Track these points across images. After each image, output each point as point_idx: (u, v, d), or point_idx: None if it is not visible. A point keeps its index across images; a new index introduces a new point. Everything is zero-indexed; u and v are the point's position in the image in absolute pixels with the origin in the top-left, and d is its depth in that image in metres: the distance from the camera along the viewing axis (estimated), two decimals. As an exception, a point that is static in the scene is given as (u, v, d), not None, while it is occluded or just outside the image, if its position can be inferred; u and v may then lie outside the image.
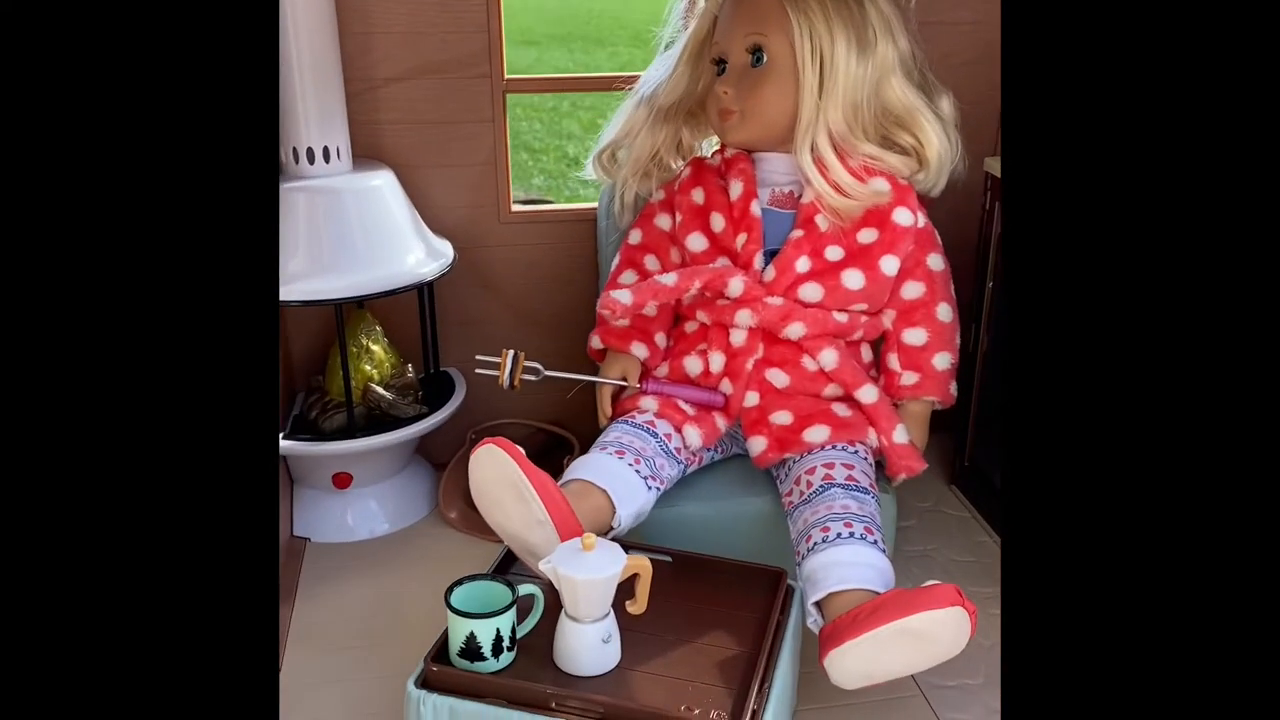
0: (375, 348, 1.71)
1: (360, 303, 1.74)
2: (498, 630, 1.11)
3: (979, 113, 1.84)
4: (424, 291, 1.71)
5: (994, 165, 1.73)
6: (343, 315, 1.60)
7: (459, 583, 1.15)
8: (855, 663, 1.15)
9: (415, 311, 1.75)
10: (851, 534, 1.28)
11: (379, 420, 1.68)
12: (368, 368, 1.69)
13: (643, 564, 1.14)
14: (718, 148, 1.63)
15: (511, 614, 1.12)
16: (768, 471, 1.53)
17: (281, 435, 1.63)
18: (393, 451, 1.72)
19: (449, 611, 1.12)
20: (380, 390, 1.68)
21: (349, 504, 1.75)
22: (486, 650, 1.12)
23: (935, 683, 1.48)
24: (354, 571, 1.66)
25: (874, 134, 1.51)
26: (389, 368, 1.72)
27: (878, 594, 1.19)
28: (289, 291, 1.51)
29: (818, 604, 1.25)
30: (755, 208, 1.52)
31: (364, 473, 1.73)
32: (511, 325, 1.88)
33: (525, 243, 1.84)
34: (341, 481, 1.71)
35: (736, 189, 1.54)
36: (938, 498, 1.95)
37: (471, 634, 1.11)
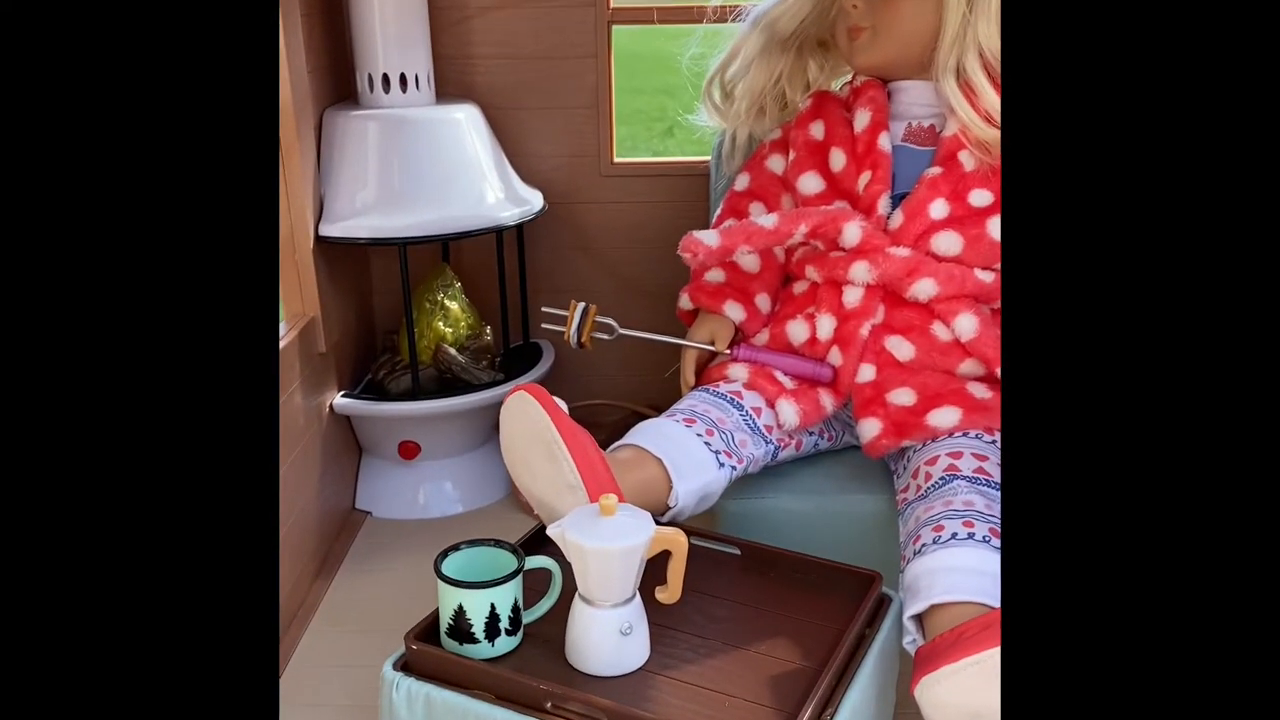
0: (453, 305, 1.54)
1: (445, 253, 1.58)
2: (492, 606, 0.89)
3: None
4: (501, 241, 1.52)
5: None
6: (407, 259, 1.44)
7: (456, 547, 0.94)
8: (955, 694, 0.86)
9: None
10: (971, 535, 0.99)
11: (449, 385, 1.50)
12: (442, 325, 1.52)
13: (676, 539, 0.90)
14: (849, 79, 1.37)
15: (512, 588, 0.90)
16: (885, 464, 1.24)
17: (344, 395, 1.48)
18: (464, 421, 1.54)
19: (437, 579, 0.91)
20: (453, 352, 1.51)
21: (421, 479, 1.58)
22: (478, 630, 0.90)
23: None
24: (409, 550, 1.49)
25: (1040, 56, 1.22)
26: (465, 328, 1.55)
27: (995, 609, 0.90)
28: (354, 228, 1.36)
29: (918, 619, 0.96)
30: (884, 141, 1.25)
31: (433, 444, 1.55)
32: (612, 293, 1.67)
33: (629, 199, 1.63)
34: (408, 451, 1.54)
35: (863, 119, 1.28)
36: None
37: (460, 608, 0.90)
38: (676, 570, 0.91)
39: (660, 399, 1.68)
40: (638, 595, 0.90)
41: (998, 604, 0.91)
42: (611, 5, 1.55)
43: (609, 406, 1.68)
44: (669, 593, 0.92)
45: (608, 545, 0.85)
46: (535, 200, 1.52)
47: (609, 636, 0.88)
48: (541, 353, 1.62)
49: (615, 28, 1.57)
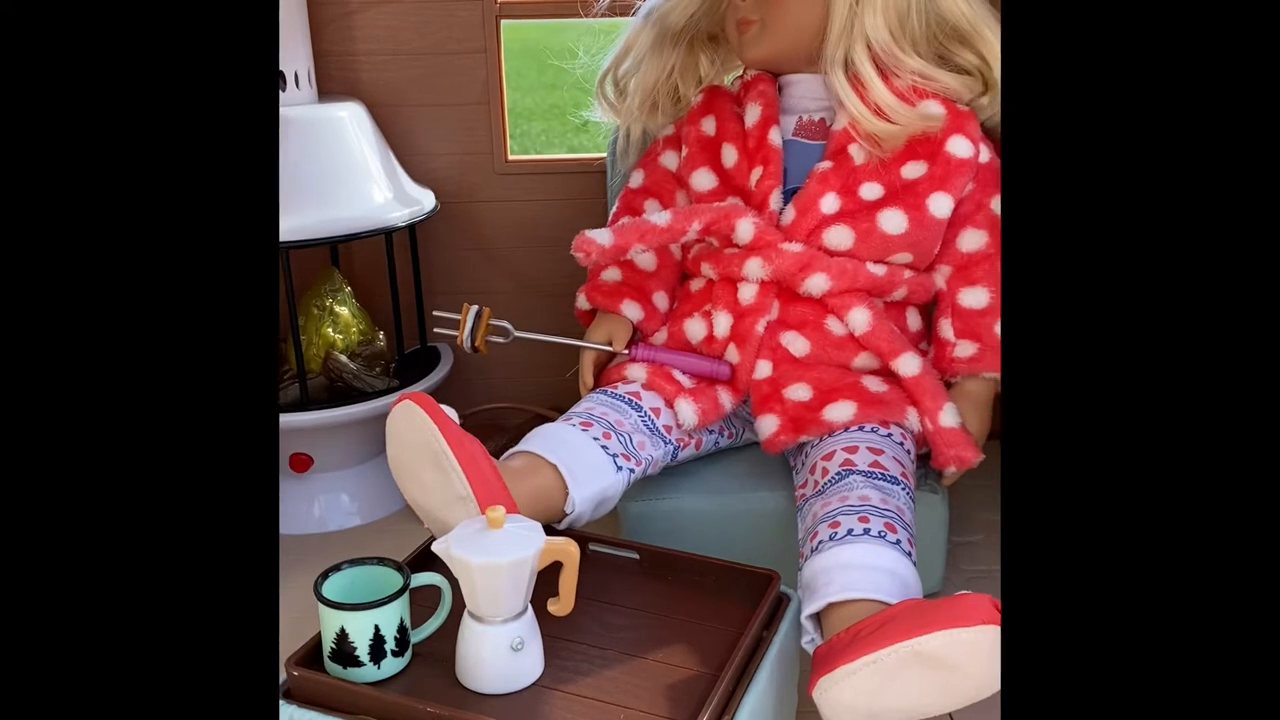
0: (342, 310, 1.49)
1: (334, 257, 1.53)
2: (376, 628, 0.86)
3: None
4: (392, 243, 1.47)
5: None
6: (290, 264, 1.38)
7: (337, 567, 0.90)
8: (852, 695, 0.85)
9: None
10: (867, 531, 0.98)
11: (341, 394, 1.45)
12: (331, 332, 1.47)
13: (567, 550, 0.87)
14: (740, 73, 1.36)
15: (397, 608, 0.86)
16: (785, 460, 1.24)
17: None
18: (358, 431, 1.49)
19: (318, 602, 0.87)
20: (343, 359, 1.46)
21: (315, 493, 1.53)
22: (363, 653, 0.86)
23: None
24: (306, 568, 1.43)
25: (927, 50, 1.22)
26: (356, 335, 1.50)
27: (890, 606, 0.89)
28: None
29: (816, 618, 0.96)
30: (775, 136, 1.25)
31: (326, 456, 1.50)
32: (510, 294, 1.63)
33: (525, 198, 1.60)
34: (300, 464, 1.49)
35: (753, 115, 1.27)
36: (1013, 511, 1.61)
37: (343, 631, 0.86)
38: (568, 582, 0.88)
39: (563, 400, 1.65)
40: (529, 609, 0.87)
41: (894, 600, 0.91)
42: (499, -1, 1.52)
43: (511, 410, 1.64)
44: (561, 604, 0.90)
45: (495, 559, 0.82)
46: (426, 200, 1.48)
47: (499, 653, 0.85)
48: (439, 357, 1.58)
49: (510, 22, 1.53)
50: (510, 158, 1.59)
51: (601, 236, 1.18)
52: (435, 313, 1.24)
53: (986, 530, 1.56)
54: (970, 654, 0.82)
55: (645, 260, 1.30)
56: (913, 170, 1.21)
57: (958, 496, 1.42)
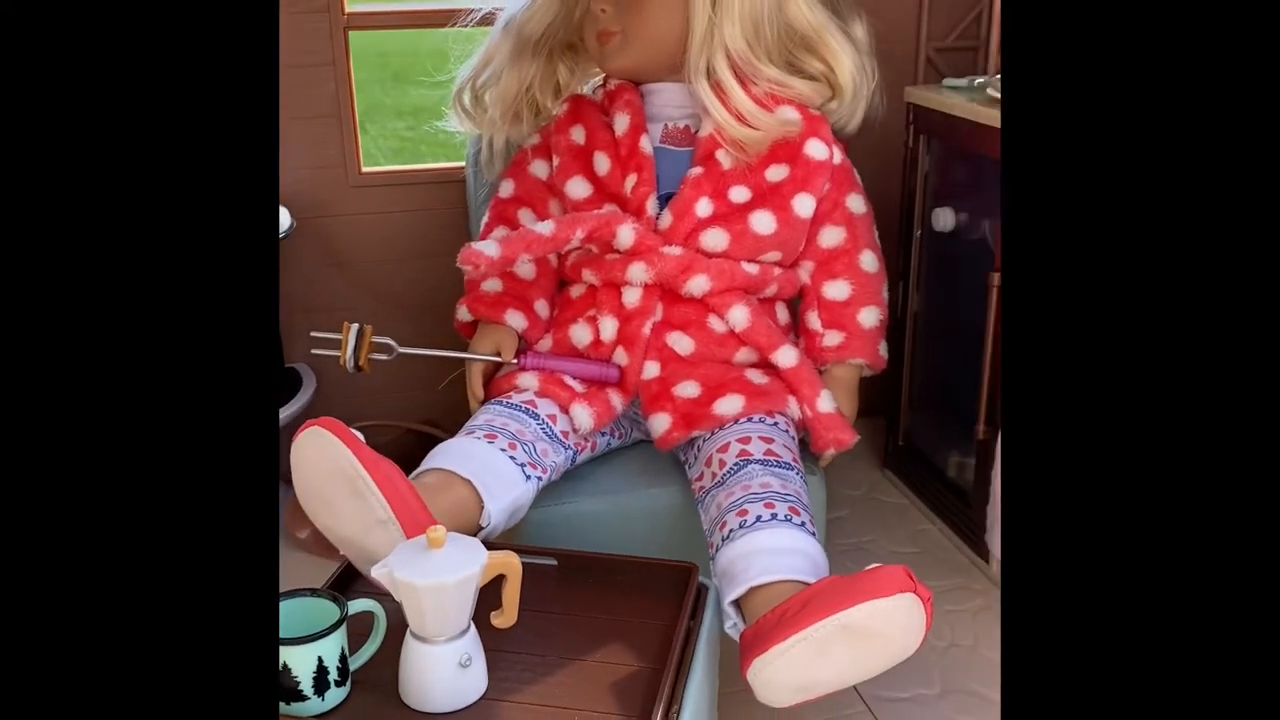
0: (200, 336, 1.42)
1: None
2: (319, 660, 0.84)
3: (895, 45, 1.64)
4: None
5: (916, 95, 1.53)
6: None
7: (268, 602, 0.87)
8: (786, 672, 0.91)
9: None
10: (774, 515, 1.04)
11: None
12: (191, 359, 1.40)
13: (510, 563, 0.88)
14: (601, 83, 1.39)
15: (338, 638, 0.85)
16: (675, 456, 1.29)
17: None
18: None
19: (253, 640, 0.84)
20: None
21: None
22: (306, 686, 0.84)
23: (884, 695, 1.24)
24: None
25: (779, 58, 1.29)
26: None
27: (809, 585, 0.95)
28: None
29: (737, 603, 1.01)
30: (645, 144, 1.29)
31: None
32: (370, 310, 1.60)
33: (382, 210, 1.58)
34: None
35: (622, 124, 1.30)
36: (870, 484, 1.73)
37: (285, 666, 0.84)
38: (512, 593, 0.90)
39: (434, 415, 1.64)
40: (472, 625, 0.88)
41: (812, 579, 0.97)
42: (346, 11, 1.48)
43: (381, 427, 1.61)
44: (505, 616, 0.91)
45: (443, 580, 0.82)
46: (282, 218, 1.44)
47: (448, 671, 0.85)
48: (301, 380, 1.53)
49: (358, 33, 1.50)
50: (364, 169, 1.57)
51: (489, 248, 1.19)
52: (314, 333, 1.21)
53: (852, 505, 1.67)
54: (890, 621, 0.89)
55: (525, 269, 1.31)
56: (776, 173, 1.28)
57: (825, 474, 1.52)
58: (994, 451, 1.39)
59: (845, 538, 1.57)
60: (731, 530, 1.05)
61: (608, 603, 1.01)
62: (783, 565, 0.99)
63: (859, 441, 1.26)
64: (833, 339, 1.30)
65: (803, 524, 1.05)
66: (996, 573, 1.46)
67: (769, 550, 1.01)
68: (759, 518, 1.05)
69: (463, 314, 1.32)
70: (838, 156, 1.32)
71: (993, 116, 1.34)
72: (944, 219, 1.52)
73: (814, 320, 1.32)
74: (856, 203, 1.34)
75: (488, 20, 1.40)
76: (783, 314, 1.35)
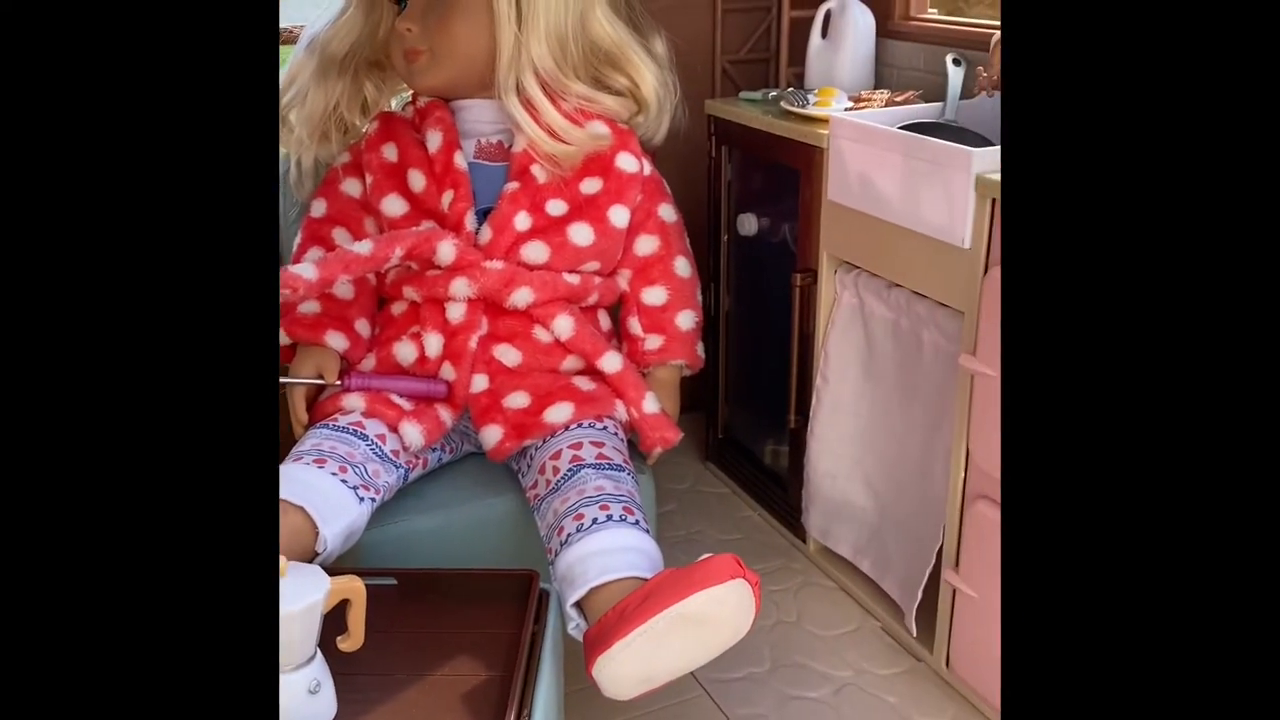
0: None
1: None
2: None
3: (693, 59, 1.72)
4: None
5: (715, 107, 1.61)
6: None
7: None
8: (629, 665, 0.95)
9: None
10: (609, 517, 1.09)
11: None
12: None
13: (353, 586, 0.89)
14: (409, 99, 1.40)
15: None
16: (508, 466, 1.31)
17: None
18: None
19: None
20: None
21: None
22: (145, 735, 0.82)
23: (719, 677, 1.31)
24: None
25: (585, 74, 1.34)
26: None
27: (646, 580, 1.00)
28: None
29: (578, 605, 1.05)
30: (460, 160, 1.31)
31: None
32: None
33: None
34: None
35: (435, 140, 1.31)
36: (695, 477, 1.80)
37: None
38: (357, 616, 0.90)
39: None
40: (319, 650, 0.88)
41: (649, 574, 1.02)
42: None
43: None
44: (351, 640, 0.91)
45: (289, 609, 0.82)
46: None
47: (298, 699, 0.85)
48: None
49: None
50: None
51: (306, 271, 1.17)
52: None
53: (679, 498, 1.74)
54: (724, 607, 0.95)
55: (343, 289, 1.30)
56: (590, 186, 1.32)
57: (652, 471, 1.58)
58: (805, 439, 1.48)
59: (674, 530, 1.64)
60: (569, 534, 1.09)
61: (451, 616, 1.03)
62: (620, 564, 1.03)
63: (682, 438, 1.32)
64: (653, 342, 1.36)
65: (637, 522, 1.10)
66: (814, 551, 1.56)
67: (606, 550, 1.05)
68: (595, 520, 1.09)
69: (281, 337, 1.29)
70: (647, 168, 1.38)
71: (785, 127, 1.44)
72: (748, 224, 1.61)
73: (635, 325, 1.37)
74: (668, 212, 1.40)
75: (289, 39, 1.38)
76: (605, 321, 1.39)
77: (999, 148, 1.18)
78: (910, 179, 1.21)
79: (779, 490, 1.64)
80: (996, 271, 1.10)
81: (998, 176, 1.10)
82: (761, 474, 1.70)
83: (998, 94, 1.31)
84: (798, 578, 1.53)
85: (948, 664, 1.28)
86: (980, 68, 1.31)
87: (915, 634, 1.34)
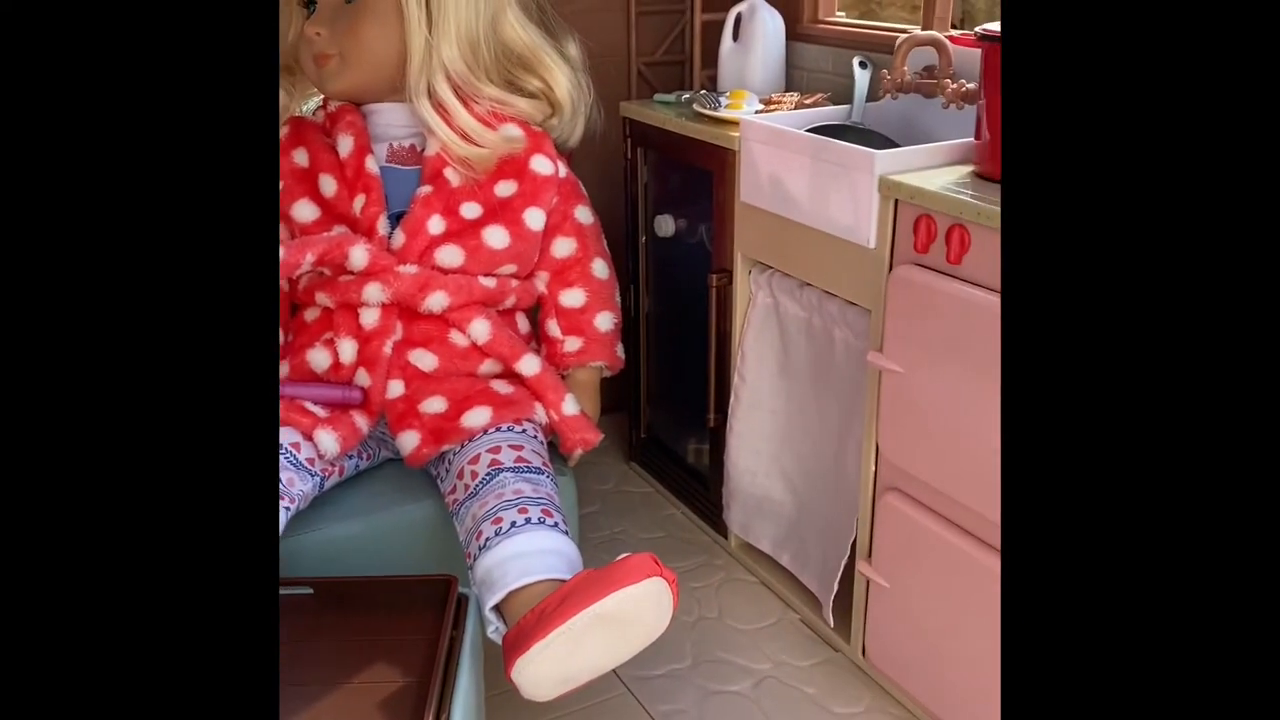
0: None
1: None
2: None
3: (608, 61, 1.73)
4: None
5: (630, 110, 1.62)
6: None
7: None
8: (548, 666, 0.96)
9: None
10: (528, 520, 1.09)
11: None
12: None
13: (264, 597, 0.88)
14: (320, 104, 1.38)
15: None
16: (426, 471, 1.30)
17: None
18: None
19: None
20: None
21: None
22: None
23: (641, 674, 1.33)
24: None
25: (498, 77, 1.34)
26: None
27: (565, 581, 1.01)
28: None
29: (497, 608, 1.05)
30: (371, 164, 1.30)
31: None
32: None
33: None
34: None
35: (346, 145, 1.30)
36: (618, 478, 1.82)
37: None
38: (269, 628, 0.89)
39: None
40: (230, 665, 0.87)
41: (567, 575, 1.03)
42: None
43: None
44: (264, 653, 0.90)
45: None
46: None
47: (208, 716, 0.84)
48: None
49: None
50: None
51: (215, 279, 1.16)
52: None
53: (603, 499, 1.75)
54: (641, 606, 0.96)
55: (254, 296, 1.28)
56: (505, 189, 1.33)
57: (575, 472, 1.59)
58: (724, 436, 1.50)
59: (598, 531, 1.65)
60: (487, 539, 1.09)
61: (368, 624, 1.02)
62: (538, 566, 1.04)
63: (605, 438, 1.33)
64: (572, 344, 1.37)
65: (555, 525, 1.10)
66: (735, 547, 1.58)
67: (524, 554, 1.06)
68: (513, 523, 1.09)
69: (191, 346, 1.27)
70: (563, 171, 1.38)
71: (698, 130, 1.46)
72: (665, 225, 1.62)
73: (553, 328, 1.38)
74: (584, 214, 1.41)
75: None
76: (523, 323, 1.40)
77: (903, 149, 1.21)
78: (817, 181, 1.24)
79: (701, 488, 1.66)
80: (900, 270, 1.13)
81: (901, 178, 1.13)
82: (684, 472, 1.72)
83: (902, 96, 1.35)
84: (720, 574, 1.55)
85: (864, 653, 1.31)
86: (884, 71, 1.35)
87: (832, 625, 1.37)
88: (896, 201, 1.14)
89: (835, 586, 1.35)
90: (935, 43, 1.31)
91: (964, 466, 1.08)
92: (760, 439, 1.47)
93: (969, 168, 1.15)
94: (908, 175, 1.14)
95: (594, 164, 1.54)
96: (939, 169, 1.16)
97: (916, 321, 1.11)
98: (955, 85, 1.26)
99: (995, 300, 1.02)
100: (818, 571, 1.40)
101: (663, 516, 1.70)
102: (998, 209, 1.01)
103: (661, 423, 1.79)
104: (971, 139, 1.15)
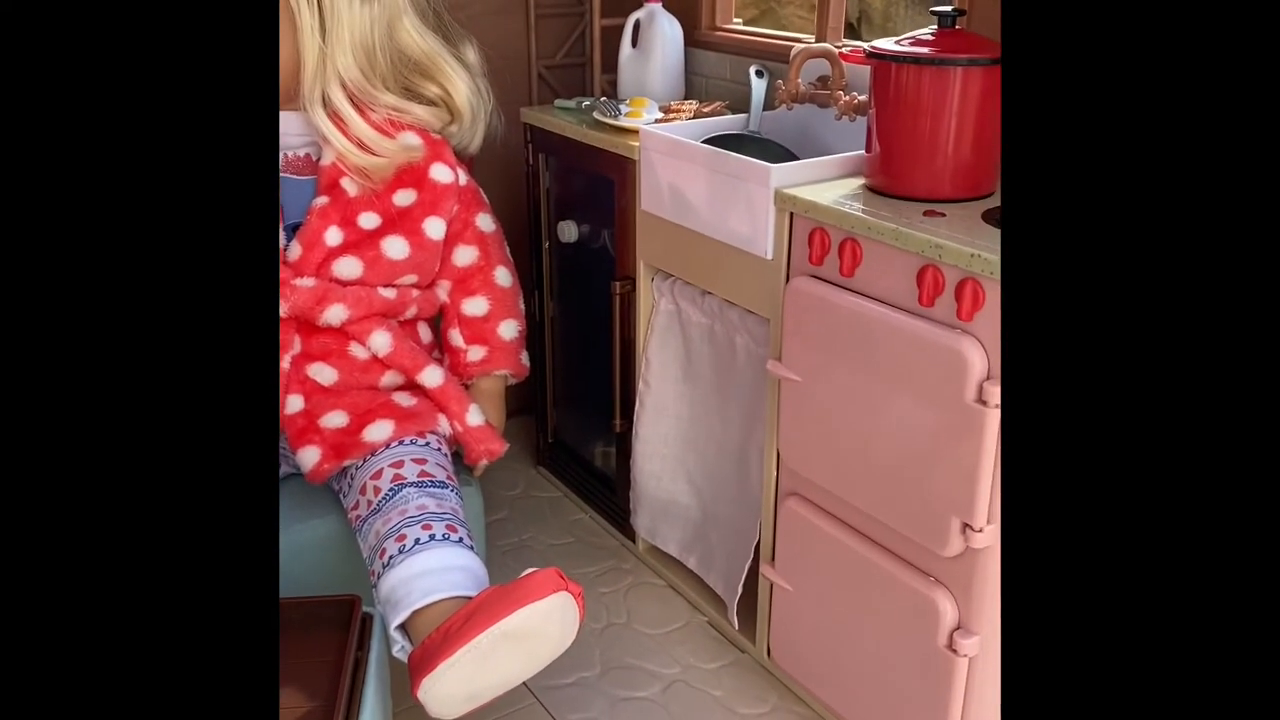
0: None
1: None
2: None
3: (507, 65, 1.72)
4: None
5: (531, 116, 1.62)
6: None
7: None
8: (455, 685, 0.96)
9: None
10: (432, 536, 1.09)
11: None
12: None
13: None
14: (210, 111, 1.35)
15: None
16: (328, 487, 1.29)
17: None
18: None
19: None
20: None
21: None
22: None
23: (550, 684, 1.33)
24: None
25: (395, 84, 1.32)
26: None
27: (470, 598, 1.01)
28: None
29: (403, 627, 1.04)
30: (265, 175, 1.26)
31: None
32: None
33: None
34: None
35: (238, 155, 1.27)
36: (526, 483, 1.81)
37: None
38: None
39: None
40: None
41: (473, 592, 1.03)
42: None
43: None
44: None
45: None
46: None
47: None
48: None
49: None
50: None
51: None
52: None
53: (510, 505, 1.75)
54: (548, 621, 0.97)
55: (144, 311, 1.25)
56: (404, 198, 1.31)
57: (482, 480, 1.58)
58: (630, 441, 1.52)
59: (506, 538, 1.65)
60: (391, 556, 1.08)
61: (271, 648, 1.01)
62: (443, 584, 1.04)
63: (513, 442, 1.33)
64: (476, 354, 1.36)
65: (460, 540, 1.10)
66: (643, 550, 1.60)
67: (429, 571, 1.05)
68: (418, 540, 1.08)
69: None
70: (463, 178, 1.37)
71: (598, 138, 1.46)
72: (568, 231, 1.63)
73: (456, 337, 1.37)
74: (486, 221, 1.40)
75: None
76: (425, 333, 1.38)
77: (797, 163, 1.23)
78: (716, 192, 1.26)
79: (608, 492, 1.67)
80: (797, 281, 1.16)
81: (795, 191, 1.15)
82: (592, 477, 1.73)
83: (797, 106, 1.37)
84: (628, 578, 1.56)
85: (769, 654, 1.34)
86: (779, 80, 1.37)
87: (738, 627, 1.40)
88: (792, 214, 1.16)
89: (740, 589, 1.37)
90: (828, 55, 1.34)
91: (860, 472, 1.12)
92: (665, 444, 1.48)
93: (861, 180, 1.18)
94: (802, 189, 1.16)
95: (496, 168, 1.54)
96: (832, 181, 1.19)
97: (813, 331, 1.14)
98: (848, 97, 1.29)
99: (887, 312, 1.05)
100: (723, 574, 1.42)
101: (571, 521, 1.71)
102: (887, 224, 1.04)
103: (568, 427, 1.79)
104: (863, 151, 1.19)
